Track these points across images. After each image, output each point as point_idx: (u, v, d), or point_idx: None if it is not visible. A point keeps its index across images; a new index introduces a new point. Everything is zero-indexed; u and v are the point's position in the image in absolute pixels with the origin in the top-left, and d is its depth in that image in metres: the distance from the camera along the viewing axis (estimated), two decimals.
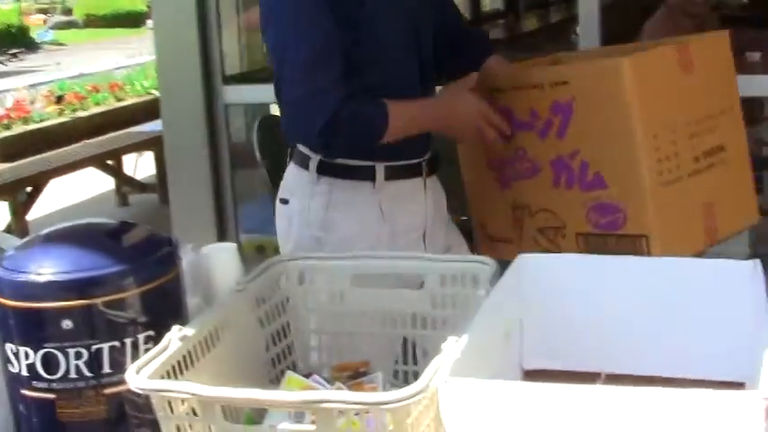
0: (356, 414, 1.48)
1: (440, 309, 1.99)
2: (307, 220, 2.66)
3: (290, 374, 1.91)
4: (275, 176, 4.56)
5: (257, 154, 4.48)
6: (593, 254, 2.40)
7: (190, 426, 1.55)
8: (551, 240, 2.61)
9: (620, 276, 1.88)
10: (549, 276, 1.89)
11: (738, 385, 1.63)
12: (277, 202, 2.79)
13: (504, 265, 1.90)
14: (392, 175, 2.64)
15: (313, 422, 1.54)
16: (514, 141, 2.63)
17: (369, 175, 2.63)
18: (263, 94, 4.54)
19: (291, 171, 2.74)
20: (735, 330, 1.77)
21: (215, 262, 2.05)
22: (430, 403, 1.53)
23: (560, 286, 1.89)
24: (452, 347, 1.53)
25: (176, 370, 1.63)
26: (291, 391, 1.70)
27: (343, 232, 2.62)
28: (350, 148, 2.57)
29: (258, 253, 4.75)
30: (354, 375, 1.98)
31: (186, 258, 1.99)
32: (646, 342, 1.85)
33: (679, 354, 1.82)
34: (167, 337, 1.65)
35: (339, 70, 2.46)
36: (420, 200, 2.72)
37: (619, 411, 1.37)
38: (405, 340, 2.06)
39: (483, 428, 1.41)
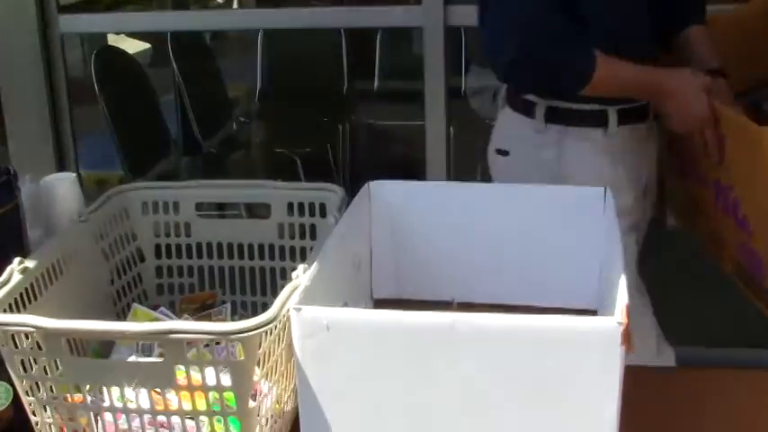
0: (206, 345, 1.46)
1: (287, 238, 1.97)
2: (538, 174, 2.47)
3: (136, 307, 1.88)
4: (114, 109, 4.48)
5: (96, 87, 4.38)
6: (747, 290, 2.35)
7: (35, 360, 1.50)
8: (713, 251, 2.49)
9: (473, 204, 1.87)
10: (398, 204, 1.87)
11: (591, 312, 1.64)
12: (491, 152, 2.64)
13: None
14: (624, 119, 2.47)
15: (161, 354, 1.51)
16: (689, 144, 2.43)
17: (601, 120, 2.46)
18: (102, 23, 4.47)
19: (510, 118, 2.57)
20: (586, 258, 1.78)
21: (55, 192, 1.99)
22: (281, 332, 1.52)
23: (411, 214, 1.88)
24: (302, 276, 1.51)
25: (18, 304, 1.58)
26: (138, 323, 1.66)
27: (581, 174, 2.46)
28: (538, 86, 2.41)
29: (99, 187, 4.66)
30: (202, 307, 1.96)
31: (25, 189, 1.93)
32: (498, 270, 1.86)
33: (531, 281, 1.83)
34: (8, 269, 1.60)
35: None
36: (646, 146, 2.58)
37: (468, 335, 1.37)
38: (253, 270, 2.02)
39: (333, 356, 1.39)
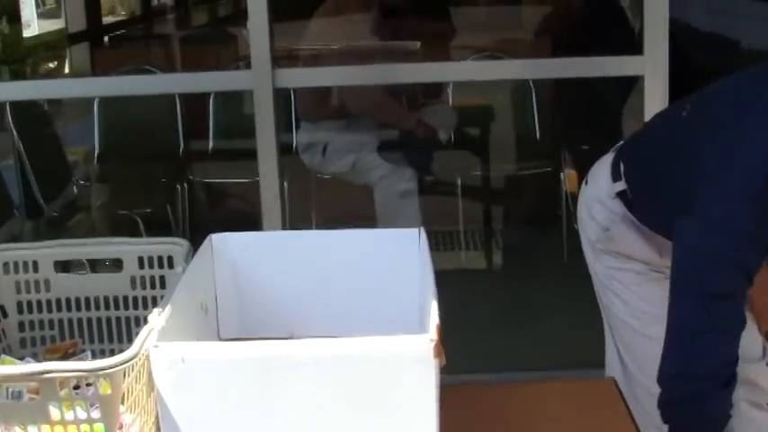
0: (75, 387, 1.64)
1: (139, 289, 2.17)
2: (600, 214, 2.73)
3: (4, 357, 2.05)
4: None
5: None
6: None
7: None
8: None
9: (305, 249, 2.11)
10: (239, 253, 2.10)
11: None
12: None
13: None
14: None
15: (32, 398, 1.69)
16: None
17: None
18: None
19: (603, 161, 2.76)
20: (407, 290, 2.03)
21: None
22: (141, 370, 1.72)
23: (250, 262, 2.10)
24: (157, 318, 1.72)
25: None
26: (14, 365, 1.84)
27: (623, 246, 2.69)
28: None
29: None
30: (64, 356, 2.13)
31: None
32: (330, 307, 2.09)
33: (360, 314, 2.06)
34: None
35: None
36: None
37: (304, 360, 1.60)
38: (109, 320, 2.20)
39: (189, 386, 1.61)
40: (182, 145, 5.98)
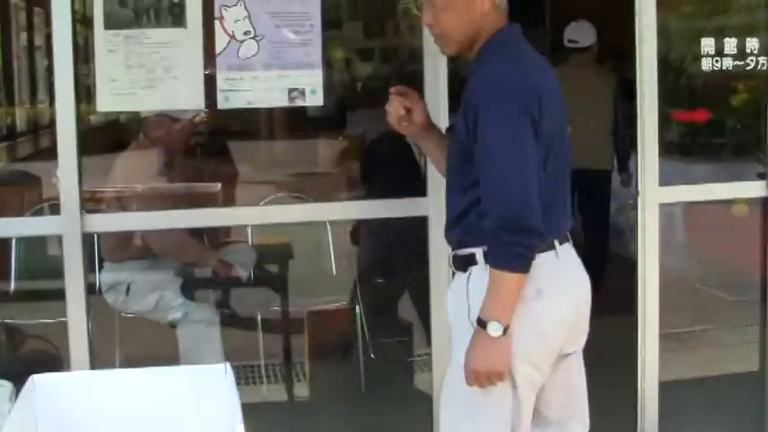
0: None
1: None
2: None
3: None
4: None
5: None
6: None
7: None
8: None
9: (121, 388, 2.28)
10: (60, 392, 2.24)
11: None
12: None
13: None
14: None
15: None
16: None
17: None
18: None
19: None
20: (214, 424, 2.21)
21: None
22: None
23: (71, 401, 2.25)
24: None
25: None
26: None
27: None
28: None
29: None
30: None
31: None
32: None
33: None
34: None
35: None
36: None
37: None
38: None
39: None
40: None
